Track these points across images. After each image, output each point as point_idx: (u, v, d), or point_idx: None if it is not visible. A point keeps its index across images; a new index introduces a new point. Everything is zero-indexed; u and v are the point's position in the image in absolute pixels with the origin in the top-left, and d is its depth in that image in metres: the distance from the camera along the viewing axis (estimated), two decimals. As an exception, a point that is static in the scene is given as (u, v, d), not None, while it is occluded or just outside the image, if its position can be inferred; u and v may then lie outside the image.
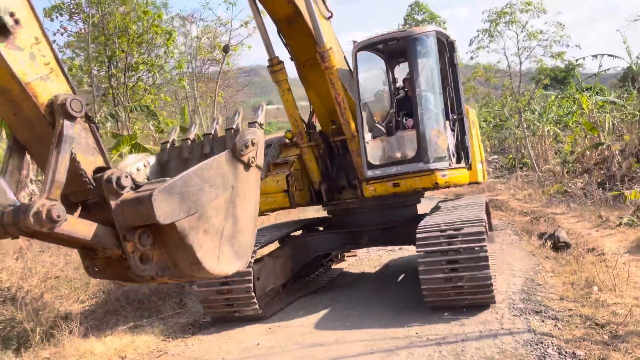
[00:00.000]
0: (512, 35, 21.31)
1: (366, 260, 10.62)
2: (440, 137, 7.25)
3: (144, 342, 6.12)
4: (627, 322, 5.23)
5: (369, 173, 7.43)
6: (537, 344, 5.02)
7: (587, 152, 19.55)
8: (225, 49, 17.46)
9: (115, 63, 14.66)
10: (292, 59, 8.11)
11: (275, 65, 7.67)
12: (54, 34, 17.59)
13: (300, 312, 7.23)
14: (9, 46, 2.94)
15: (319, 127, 8.63)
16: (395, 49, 8.28)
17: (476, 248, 5.87)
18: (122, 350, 5.82)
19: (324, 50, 7.16)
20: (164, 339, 6.36)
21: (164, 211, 3.06)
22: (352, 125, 7.53)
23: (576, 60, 20.81)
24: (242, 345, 6.08)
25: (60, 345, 5.53)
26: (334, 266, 10.09)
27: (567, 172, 19.97)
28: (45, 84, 3.10)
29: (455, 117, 7.75)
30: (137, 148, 11.35)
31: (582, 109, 22.49)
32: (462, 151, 7.80)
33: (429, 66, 7.35)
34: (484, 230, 6.01)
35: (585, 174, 19.23)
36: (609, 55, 18.36)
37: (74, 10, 17.18)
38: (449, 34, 7.99)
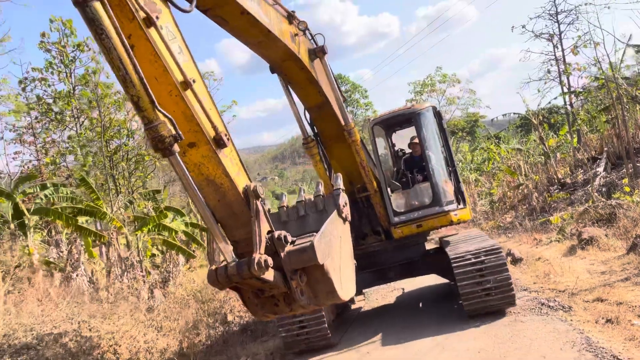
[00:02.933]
0: (435, 101, 24.37)
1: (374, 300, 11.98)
2: (448, 185, 9.02)
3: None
4: (575, 288, 8.58)
5: (396, 219, 8.95)
6: (533, 300, 8.22)
7: (510, 193, 22.38)
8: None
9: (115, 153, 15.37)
10: (316, 136, 9.54)
11: (310, 142, 9.07)
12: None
13: (358, 338, 8.37)
14: (222, 155, 4.35)
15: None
16: (394, 121, 10.04)
17: (499, 265, 7.49)
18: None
19: (350, 128, 8.69)
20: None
21: (320, 255, 4.54)
22: (374, 183, 9.08)
23: (492, 120, 24.14)
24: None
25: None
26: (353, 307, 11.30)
27: (496, 210, 22.64)
28: (239, 177, 4.53)
29: (450, 169, 9.55)
30: (158, 227, 12.14)
31: (492, 157, 25.79)
32: (458, 195, 9.55)
33: (431, 132, 9.20)
34: (501, 251, 7.66)
35: (511, 210, 22.02)
36: (514, 113, 21.66)
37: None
38: (436, 106, 9.96)
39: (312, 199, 5.88)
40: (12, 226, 11.01)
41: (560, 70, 22.58)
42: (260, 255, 4.17)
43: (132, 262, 11.30)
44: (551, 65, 22.73)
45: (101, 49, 3.38)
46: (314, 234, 4.78)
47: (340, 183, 5.88)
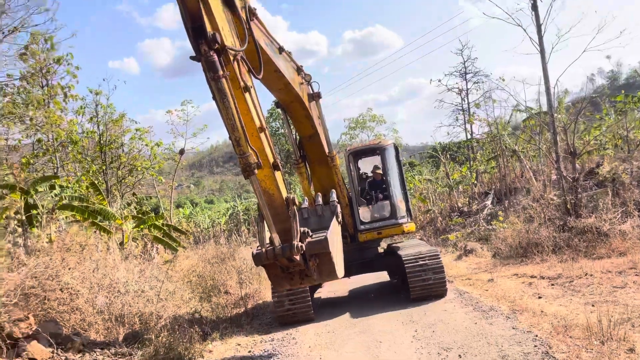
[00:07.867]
0: (365, 137, 27.00)
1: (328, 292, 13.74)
2: (402, 204, 11.14)
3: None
4: (457, 275, 12.90)
5: (362, 227, 10.87)
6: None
7: (421, 216, 25.25)
8: (181, 152, 19.81)
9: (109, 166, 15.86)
10: (302, 158, 11.04)
11: (300, 163, 10.68)
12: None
13: (330, 316, 9.94)
14: (276, 175, 5.88)
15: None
16: (365, 151, 11.96)
17: (437, 264, 9.58)
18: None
19: (333, 155, 10.47)
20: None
21: (330, 246, 6.26)
22: (346, 199, 10.92)
23: (410, 156, 27.16)
24: (321, 331, 8.77)
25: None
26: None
27: (409, 229, 25.42)
28: (283, 190, 6.07)
29: (403, 191, 11.66)
30: (154, 227, 13.05)
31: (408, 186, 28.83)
32: (408, 212, 11.64)
33: (392, 162, 11.29)
34: (439, 254, 9.78)
35: (421, 230, 24.88)
36: (428, 151, 24.75)
37: None
38: (395, 142, 12.10)
39: (314, 207, 7.65)
40: (23, 218, 11.54)
41: (466, 119, 26.23)
42: (298, 242, 5.72)
43: (131, 252, 12.17)
44: (459, 114, 26.42)
45: (222, 108, 4.84)
46: (325, 231, 6.47)
47: (335, 197, 7.70)
